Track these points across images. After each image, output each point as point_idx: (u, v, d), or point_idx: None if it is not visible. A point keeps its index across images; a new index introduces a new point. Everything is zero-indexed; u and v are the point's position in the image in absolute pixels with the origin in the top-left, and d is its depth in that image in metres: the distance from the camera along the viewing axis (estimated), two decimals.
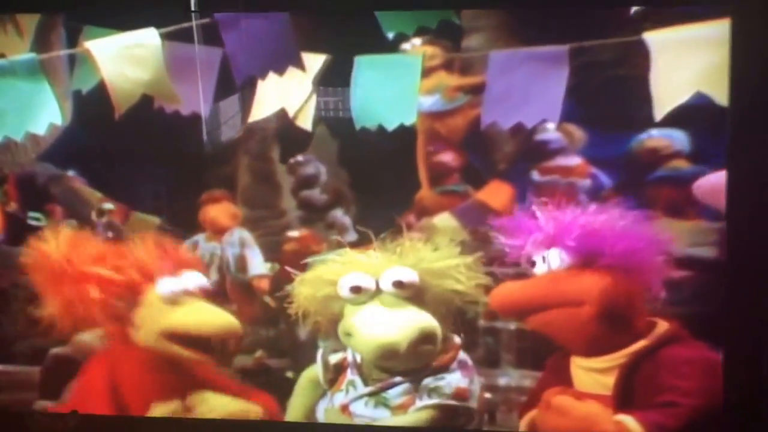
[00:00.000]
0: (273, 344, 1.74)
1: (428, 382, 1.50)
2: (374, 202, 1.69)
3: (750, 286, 1.40)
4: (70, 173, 1.79)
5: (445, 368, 1.51)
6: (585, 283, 1.44)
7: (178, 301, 1.57)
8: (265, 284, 1.77)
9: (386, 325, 1.47)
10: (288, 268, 1.54)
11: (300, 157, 1.78)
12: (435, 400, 1.49)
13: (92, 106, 1.63)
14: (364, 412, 1.52)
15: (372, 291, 1.50)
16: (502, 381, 1.67)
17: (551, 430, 1.49)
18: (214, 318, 1.58)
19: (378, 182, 1.71)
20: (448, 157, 1.71)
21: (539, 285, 1.50)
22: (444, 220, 1.69)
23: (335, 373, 1.57)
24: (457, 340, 1.55)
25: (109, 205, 1.79)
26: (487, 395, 1.63)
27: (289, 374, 1.70)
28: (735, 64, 1.36)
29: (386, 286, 1.50)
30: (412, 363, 1.50)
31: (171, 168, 1.76)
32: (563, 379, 1.53)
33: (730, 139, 1.40)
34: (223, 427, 1.58)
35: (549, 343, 1.53)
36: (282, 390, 1.65)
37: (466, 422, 1.52)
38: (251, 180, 1.79)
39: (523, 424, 1.56)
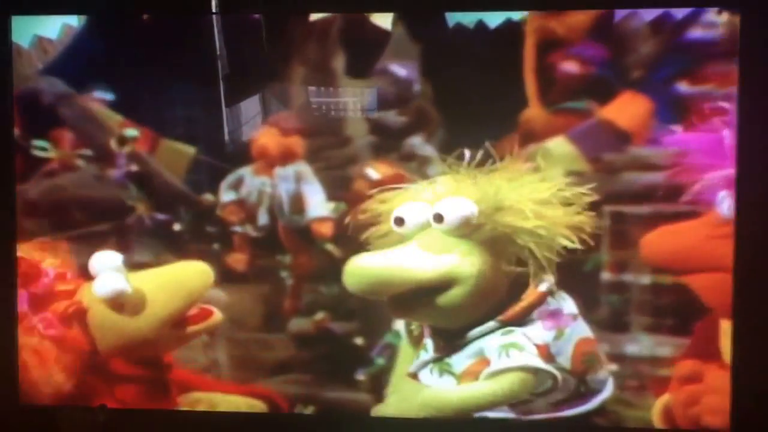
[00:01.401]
0: (337, 304, 1.47)
1: (498, 339, 1.32)
2: (466, 125, 1.39)
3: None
4: (84, 91, 1.50)
5: (511, 323, 1.32)
6: None
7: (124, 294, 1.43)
8: (327, 229, 1.47)
9: (386, 257, 1.30)
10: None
11: (375, 67, 1.44)
12: (505, 363, 1.30)
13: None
14: (431, 380, 1.37)
15: (426, 223, 1.32)
16: (631, 349, 1.38)
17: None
18: (185, 274, 1.45)
19: (472, 98, 1.40)
20: (566, 65, 1.38)
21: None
22: (558, 145, 1.37)
23: (419, 334, 1.41)
24: (544, 287, 1.33)
25: (132, 132, 1.50)
26: (611, 366, 1.37)
27: (358, 341, 1.48)
28: (744, 62, 1.29)
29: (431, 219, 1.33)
30: (450, 320, 1.33)
31: (208, 84, 1.48)
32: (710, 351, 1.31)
33: (738, 139, 1.31)
34: (249, 420, 1.48)
35: (695, 302, 1.33)
36: (348, 361, 1.47)
37: (552, 390, 1.32)
38: (309, 98, 1.47)
39: (658, 409, 1.35)
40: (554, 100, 1.37)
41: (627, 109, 1.35)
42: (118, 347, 1.44)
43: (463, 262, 1.29)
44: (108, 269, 1.43)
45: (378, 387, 1.44)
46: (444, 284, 1.29)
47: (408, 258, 1.29)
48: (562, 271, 1.32)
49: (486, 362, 1.31)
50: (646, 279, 1.37)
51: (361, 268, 1.28)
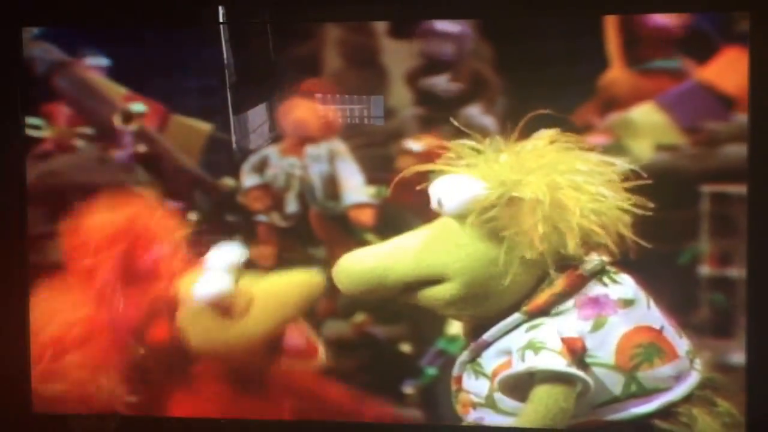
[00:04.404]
0: (380, 304, 1.30)
1: (519, 337, 1.13)
2: (532, 92, 1.21)
3: None
4: (83, 58, 1.35)
5: (537, 314, 1.14)
6: None
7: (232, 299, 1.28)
8: (367, 216, 1.31)
9: (382, 250, 1.17)
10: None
11: (423, 27, 1.27)
12: (518, 368, 1.11)
13: None
14: (469, 385, 1.19)
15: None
16: (736, 358, 1.20)
17: None
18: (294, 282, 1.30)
19: (539, 60, 1.22)
20: (656, 17, 1.19)
21: None
22: (646, 113, 1.19)
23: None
24: (587, 268, 1.14)
25: (139, 106, 1.35)
26: (711, 375, 1.17)
27: (405, 347, 1.33)
28: (755, 65, 1.16)
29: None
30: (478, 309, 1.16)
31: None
32: None
33: (751, 146, 1.18)
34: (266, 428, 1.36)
35: None
36: (394, 371, 1.32)
37: (585, 391, 1.11)
38: (343, 63, 1.31)
39: None
40: (641, 58, 1.20)
41: (731, 69, 1.16)
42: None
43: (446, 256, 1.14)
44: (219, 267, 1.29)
45: (429, 402, 1.28)
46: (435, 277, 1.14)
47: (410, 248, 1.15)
48: (650, 264, 1.13)
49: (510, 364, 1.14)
50: None
51: (348, 268, 1.15)
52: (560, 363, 1.09)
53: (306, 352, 1.30)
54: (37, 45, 1.33)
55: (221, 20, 1.33)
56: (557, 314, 1.13)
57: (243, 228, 1.33)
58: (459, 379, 1.20)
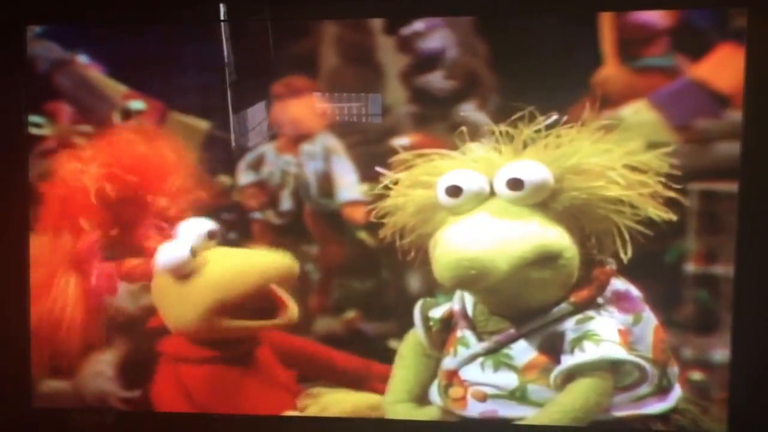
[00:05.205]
0: (371, 301, 1.32)
1: (569, 330, 1.12)
2: (526, 89, 1.19)
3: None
4: (83, 57, 1.36)
5: (585, 306, 1.13)
6: None
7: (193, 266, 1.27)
8: (360, 214, 1.30)
9: (481, 235, 1.09)
10: (379, 169, 1.19)
11: (418, 25, 1.26)
12: (580, 358, 1.10)
13: None
14: (482, 377, 1.16)
15: (482, 194, 1.13)
16: (719, 356, 1.19)
17: None
18: (258, 261, 1.28)
19: (533, 58, 1.21)
20: (651, 14, 1.18)
21: None
22: (638, 111, 1.18)
23: (442, 333, 1.22)
24: (612, 264, 1.15)
25: (138, 103, 1.36)
26: (696, 375, 1.19)
27: (394, 344, 1.30)
28: (751, 64, 1.15)
29: (501, 186, 1.13)
30: (521, 299, 1.13)
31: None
32: None
33: (744, 145, 1.16)
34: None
35: None
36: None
37: (640, 383, 1.12)
38: (339, 61, 1.30)
39: None
40: (635, 55, 1.18)
41: (725, 66, 1.15)
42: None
43: (554, 233, 1.10)
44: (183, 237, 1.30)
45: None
46: (544, 258, 1.10)
47: (504, 231, 1.09)
48: (637, 261, 1.13)
49: (552, 356, 1.12)
50: None
51: (461, 254, 1.07)
52: (624, 354, 1.09)
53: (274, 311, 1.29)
54: (38, 43, 1.34)
55: (222, 18, 1.33)
56: (599, 308, 1.13)
57: (239, 225, 1.33)
58: (453, 373, 1.18)
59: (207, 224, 1.30)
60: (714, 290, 1.19)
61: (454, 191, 1.12)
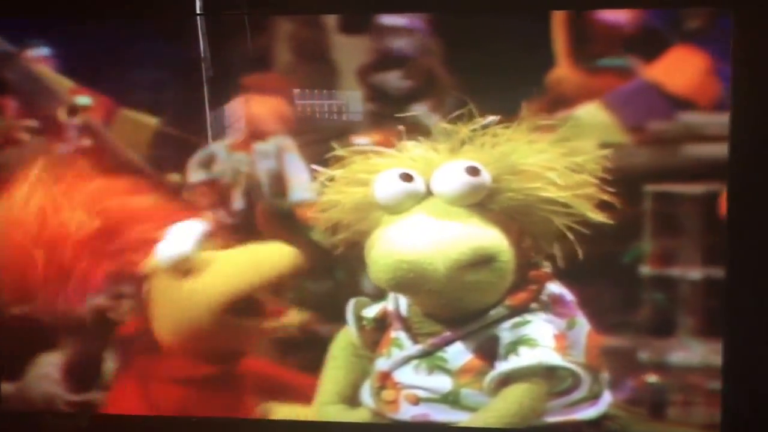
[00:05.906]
0: (325, 302, 1.30)
1: (505, 333, 1.12)
2: (482, 89, 1.18)
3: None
4: (31, 50, 1.33)
5: (521, 309, 1.14)
6: None
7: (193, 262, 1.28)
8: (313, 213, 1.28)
9: (419, 237, 1.08)
10: (315, 167, 1.21)
11: (377, 22, 1.24)
12: (514, 364, 1.10)
13: None
14: (415, 380, 1.15)
15: (418, 194, 1.13)
16: (677, 358, 1.19)
17: None
18: (265, 254, 1.30)
19: (489, 58, 1.19)
20: (605, 13, 1.17)
21: None
22: (591, 113, 1.17)
23: (376, 332, 1.22)
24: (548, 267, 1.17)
25: (85, 99, 1.33)
26: (652, 378, 1.19)
27: None
28: (737, 64, 1.14)
29: (440, 186, 1.12)
30: (457, 302, 1.12)
31: (177, 43, 1.30)
32: None
33: (732, 145, 1.16)
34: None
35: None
36: None
37: (573, 388, 1.13)
38: (293, 58, 1.29)
39: None
40: (589, 56, 1.17)
41: (679, 68, 1.15)
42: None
43: (491, 234, 1.10)
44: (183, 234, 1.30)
45: None
46: (480, 261, 1.10)
47: (441, 233, 1.08)
48: (595, 263, 1.14)
49: (487, 359, 1.12)
50: (696, 274, 1.17)
51: (399, 256, 1.06)
52: (560, 359, 1.10)
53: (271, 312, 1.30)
54: None
55: (198, 11, 1.30)
56: (536, 311, 1.13)
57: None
58: (386, 375, 1.17)
59: (202, 224, 1.29)
60: (671, 293, 1.19)
61: (407, 177, 1.12)
